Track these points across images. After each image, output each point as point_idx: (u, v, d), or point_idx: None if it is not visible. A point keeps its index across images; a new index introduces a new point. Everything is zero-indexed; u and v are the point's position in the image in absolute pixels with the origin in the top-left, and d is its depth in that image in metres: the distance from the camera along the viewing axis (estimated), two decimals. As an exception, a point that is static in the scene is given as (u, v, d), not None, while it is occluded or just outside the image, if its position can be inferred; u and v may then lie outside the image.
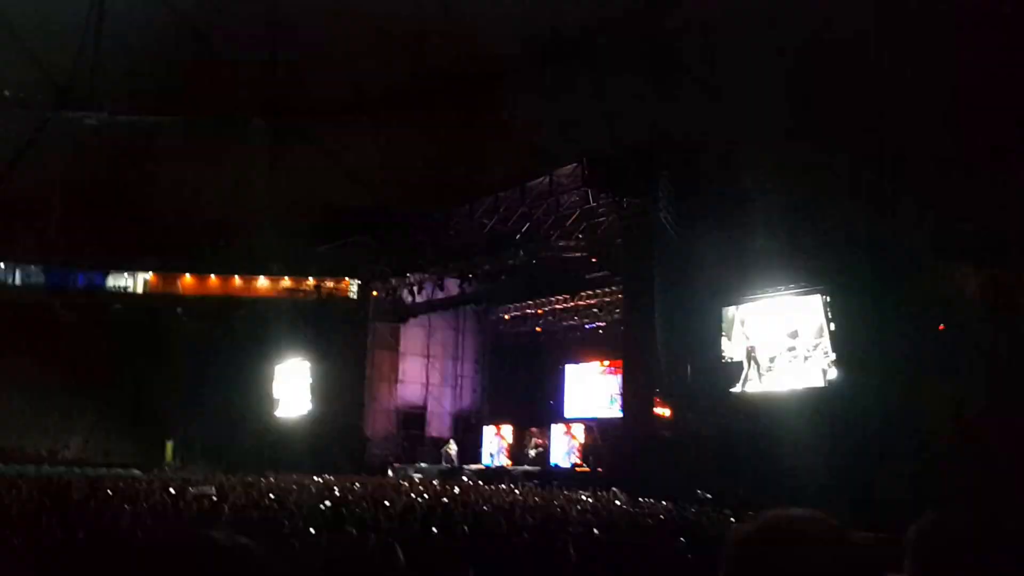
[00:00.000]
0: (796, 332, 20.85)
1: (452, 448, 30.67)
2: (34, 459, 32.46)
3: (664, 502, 17.40)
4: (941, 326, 17.66)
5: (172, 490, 16.05)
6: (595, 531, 11.83)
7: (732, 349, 22.49)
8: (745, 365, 22.08)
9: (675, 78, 21.73)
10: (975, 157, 16.38)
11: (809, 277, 20.47)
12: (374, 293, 33.63)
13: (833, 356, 19.88)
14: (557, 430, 29.56)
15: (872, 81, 17.43)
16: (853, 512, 13.46)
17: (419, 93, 32.83)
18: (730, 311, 22.62)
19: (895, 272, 17.97)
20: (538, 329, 34.68)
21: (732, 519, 13.15)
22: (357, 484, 21.58)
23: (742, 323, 22.34)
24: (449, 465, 29.27)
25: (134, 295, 41.79)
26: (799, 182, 19.33)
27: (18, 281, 41.33)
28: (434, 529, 10.84)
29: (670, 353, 22.52)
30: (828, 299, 20.24)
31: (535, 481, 25.05)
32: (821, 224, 18.91)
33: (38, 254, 40.58)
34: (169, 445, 36.32)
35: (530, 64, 28.77)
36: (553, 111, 28.01)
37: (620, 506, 16.60)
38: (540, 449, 28.91)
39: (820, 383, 20.11)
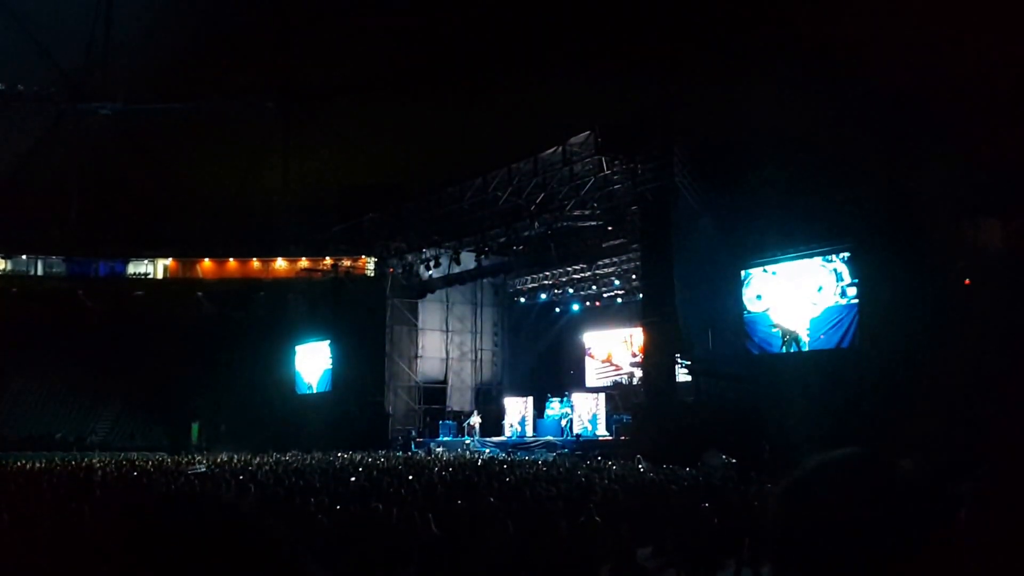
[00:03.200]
0: (818, 293, 20.63)
1: (475, 420, 30.78)
2: (62, 445, 32.93)
3: (688, 468, 17.37)
4: (967, 281, 17.39)
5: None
6: (620, 498, 11.82)
7: (753, 311, 22.30)
8: (769, 328, 21.90)
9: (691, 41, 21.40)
10: (1001, 107, 16.02)
11: (830, 236, 20.19)
12: (391, 270, 33.63)
13: (856, 316, 19.67)
14: (579, 399, 29.58)
15: (893, 34, 17.06)
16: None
17: (429, 70, 32.62)
18: (750, 273, 22.40)
19: (919, 228, 17.66)
20: (556, 299, 34.61)
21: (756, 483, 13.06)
22: (381, 460, 21.76)
23: (762, 284, 22.12)
24: (472, 438, 29.38)
25: (155, 281, 42.08)
26: (819, 140, 19.00)
27: (40, 271, 41.70)
28: (459, 501, 10.86)
29: (691, 318, 22.35)
30: (850, 258, 19.98)
31: (558, 451, 25.12)
32: (842, 182, 18.59)
33: (59, 244, 40.88)
34: (195, 427, 36.71)
35: (538, 36, 28.45)
36: (564, 80, 27.74)
37: (644, 473, 16.59)
38: (567, 417, 28.91)
39: (844, 344, 19.92)
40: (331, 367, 35.56)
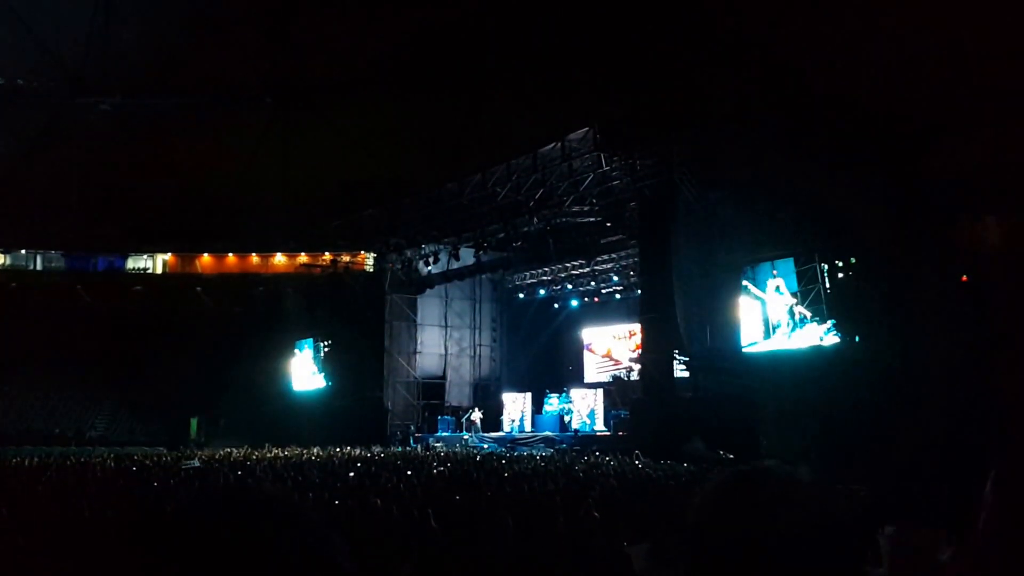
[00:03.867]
0: (813, 288, 20.66)
1: (477, 416, 30.83)
2: (61, 440, 32.99)
3: (685, 464, 17.44)
4: (964, 277, 17.44)
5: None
6: (618, 494, 11.88)
7: (749, 309, 22.32)
8: (763, 324, 21.94)
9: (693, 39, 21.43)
10: (994, 105, 16.06)
11: (827, 232, 20.21)
12: (390, 265, 33.68)
13: (853, 313, 19.71)
14: (577, 394, 29.67)
15: (888, 32, 17.09)
16: (873, 466, 13.43)
17: (429, 64, 32.59)
18: (747, 269, 22.42)
19: (915, 226, 17.71)
20: (554, 295, 34.69)
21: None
22: (380, 454, 21.83)
23: (759, 283, 22.13)
24: (471, 433, 29.46)
25: (154, 276, 42.14)
26: (814, 138, 19.02)
27: (39, 266, 41.75)
28: (457, 497, 10.92)
29: (689, 314, 22.42)
30: (847, 254, 20.00)
31: (556, 446, 25.20)
32: (838, 179, 18.62)
33: (58, 239, 40.92)
34: (194, 422, 36.78)
35: (537, 30, 28.43)
36: (564, 76, 27.73)
37: (642, 468, 16.67)
38: (568, 413, 29.00)
39: (840, 339, 19.97)
40: (330, 362, 35.62)
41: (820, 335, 20.37)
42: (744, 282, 21.98)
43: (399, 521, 9.05)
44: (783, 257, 21.59)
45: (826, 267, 20.25)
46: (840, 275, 20.00)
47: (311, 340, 36.85)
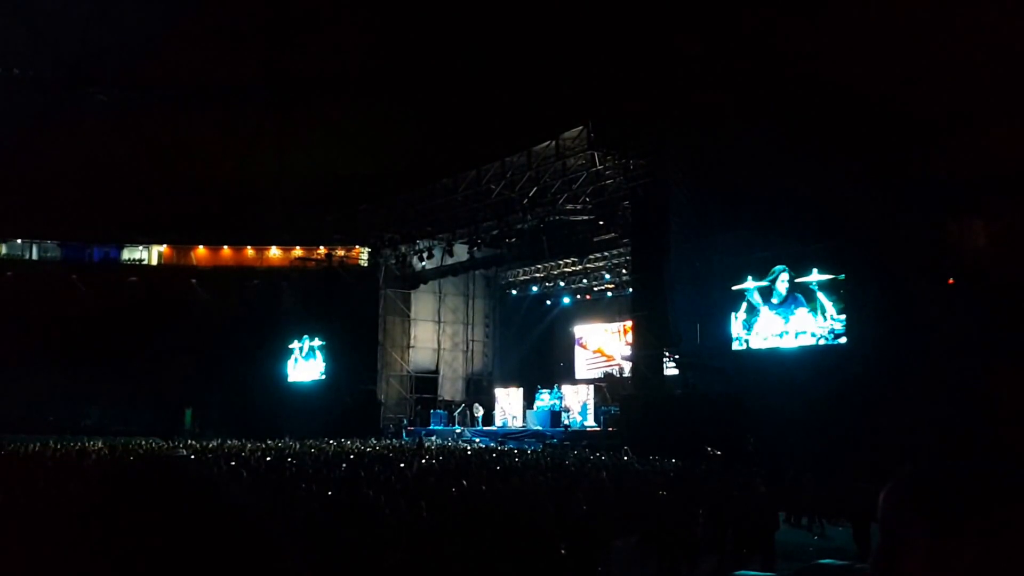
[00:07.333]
0: (804, 287, 20.93)
1: (478, 411, 31.03)
2: (55, 429, 33.10)
3: (673, 459, 17.72)
4: (951, 280, 17.72)
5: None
6: (606, 488, 12.17)
7: (740, 305, 22.58)
8: (753, 319, 22.20)
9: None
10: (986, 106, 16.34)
11: (817, 233, 20.47)
12: (384, 260, 33.86)
13: (841, 312, 19.99)
14: (568, 390, 29.91)
15: (874, 39, 17.35)
16: (857, 463, 13.72)
17: (425, 60, 32.77)
18: (738, 268, 22.65)
19: (904, 228, 17.97)
20: (547, 292, 34.92)
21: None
22: (373, 447, 22.07)
23: (750, 279, 22.39)
24: (464, 427, 29.68)
25: (149, 267, 42.26)
26: (807, 141, 19.26)
27: (35, 256, 41.82)
28: (453, 489, 11.17)
29: (679, 312, 22.68)
30: (837, 255, 20.26)
31: (547, 441, 25.46)
32: (828, 181, 18.89)
33: (54, 229, 41.00)
34: (188, 412, 36.93)
35: (534, 28, 28.65)
36: (559, 74, 27.95)
37: (630, 464, 16.95)
38: (559, 408, 29.23)
39: (828, 339, 20.26)
40: (323, 355, 35.80)
41: (814, 334, 20.67)
42: (747, 276, 22.21)
43: (389, 511, 9.29)
44: (778, 257, 21.82)
45: (820, 268, 20.51)
46: (835, 276, 20.26)
47: (305, 334, 37.01)
